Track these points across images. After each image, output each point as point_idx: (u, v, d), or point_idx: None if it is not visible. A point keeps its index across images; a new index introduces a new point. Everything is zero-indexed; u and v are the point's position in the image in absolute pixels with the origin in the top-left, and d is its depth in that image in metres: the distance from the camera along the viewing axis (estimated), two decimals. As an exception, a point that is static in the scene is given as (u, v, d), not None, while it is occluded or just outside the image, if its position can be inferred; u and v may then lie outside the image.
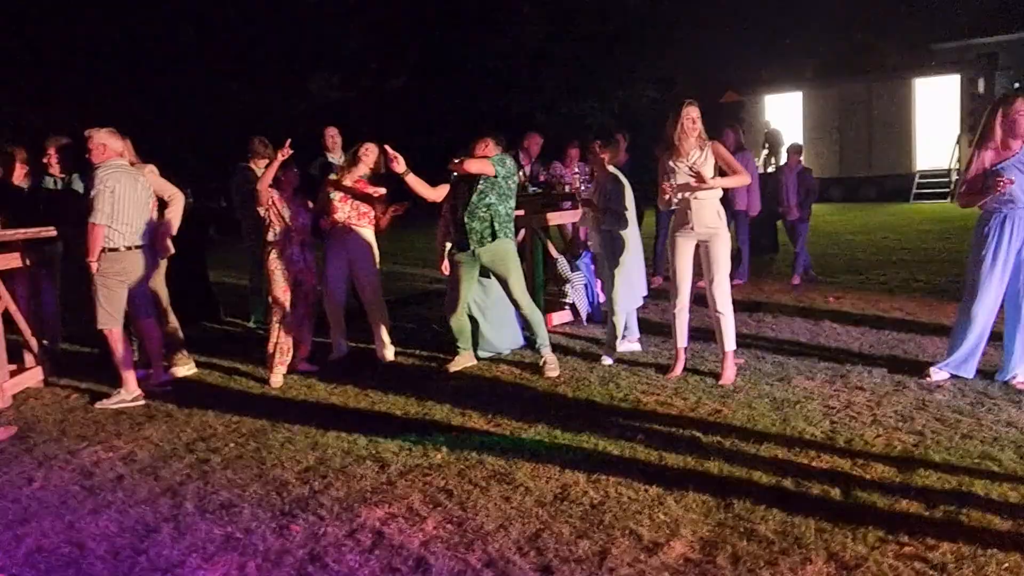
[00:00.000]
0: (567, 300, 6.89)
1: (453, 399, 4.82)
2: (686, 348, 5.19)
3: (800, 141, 13.61)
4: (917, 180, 19.39)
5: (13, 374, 5.49)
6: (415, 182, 5.38)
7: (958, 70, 19.68)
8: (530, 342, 5.63)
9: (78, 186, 5.82)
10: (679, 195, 4.88)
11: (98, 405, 5.09)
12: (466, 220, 5.25)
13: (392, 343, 6.00)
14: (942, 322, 5.99)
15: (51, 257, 6.01)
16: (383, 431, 4.30)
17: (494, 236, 5.25)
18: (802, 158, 9.01)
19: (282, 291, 5.43)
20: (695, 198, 4.86)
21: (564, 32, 22.49)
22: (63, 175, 5.97)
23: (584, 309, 6.85)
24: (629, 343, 5.82)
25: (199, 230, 8.17)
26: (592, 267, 6.96)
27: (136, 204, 5.11)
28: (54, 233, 5.47)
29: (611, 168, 5.59)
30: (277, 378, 5.42)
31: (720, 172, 4.90)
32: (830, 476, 3.43)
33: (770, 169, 10.91)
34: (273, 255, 5.44)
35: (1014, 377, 4.60)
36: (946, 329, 5.16)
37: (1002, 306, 4.63)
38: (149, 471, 3.94)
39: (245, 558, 3.00)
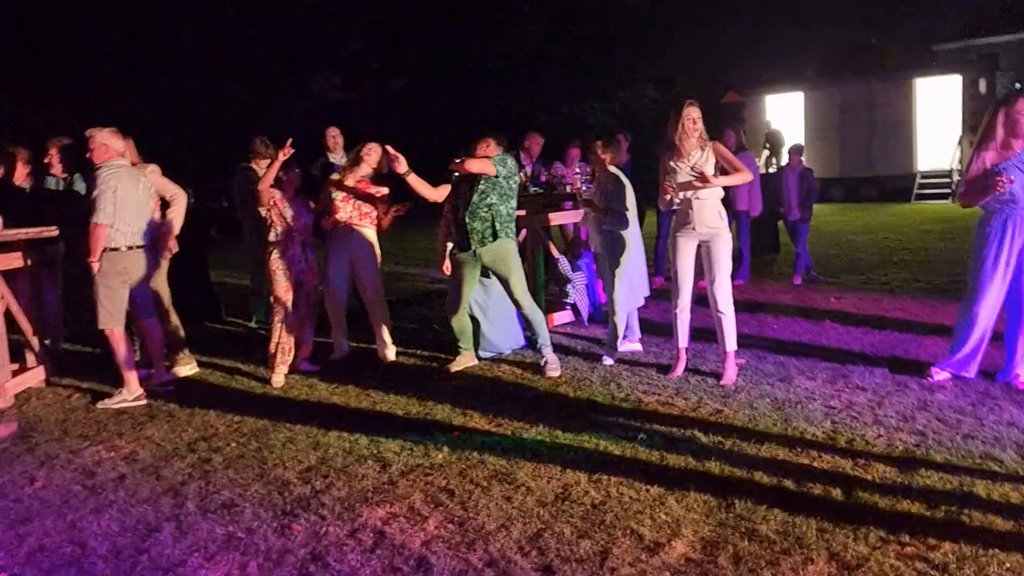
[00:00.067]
0: (568, 300, 6.90)
1: (454, 399, 4.82)
2: (687, 348, 5.20)
3: (801, 141, 13.61)
4: (918, 180, 19.38)
5: (15, 374, 5.49)
6: (416, 182, 5.39)
7: (959, 70, 19.66)
8: (531, 342, 5.64)
9: (80, 186, 5.83)
10: (680, 195, 4.89)
11: (100, 405, 5.09)
12: (467, 220, 5.26)
13: (393, 343, 6.00)
14: (943, 322, 5.98)
15: (53, 257, 6.02)
16: (385, 431, 4.30)
17: (495, 236, 5.26)
18: (803, 158, 9.01)
19: (284, 291, 5.44)
20: (696, 198, 4.86)
21: (564, 32, 22.50)
22: (65, 175, 5.98)
23: (585, 309, 6.85)
24: (630, 343, 5.82)
25: (200, 230, 8.18)
26: (593, 267, 6.96)
27: (137, 204, 5.12)
28: (56, 233, 5.48)
29: (612, 168, 5.59)
30: (279, 378, 5.43)
31: (722, 171, 4.90)
32: (831, 476, 3.43)
33: (771, 170, 10.91)
34: (275, 255, 5.44)
35: (1016, 377, 4.60)
36: (947, 329, 5.16)
37: (1003, 306, 4.63)
38: (151, 471, 3.95)
39: (247, 557, 3.00)
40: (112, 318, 5.06)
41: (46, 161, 5.94)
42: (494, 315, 5.88)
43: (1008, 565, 2.66)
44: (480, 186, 5.22)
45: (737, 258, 8.07)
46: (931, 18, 25.49)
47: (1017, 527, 2.91)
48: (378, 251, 5.92)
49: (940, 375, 4.74)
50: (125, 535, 3.25)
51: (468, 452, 3.92)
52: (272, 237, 5.46)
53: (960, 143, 18.78)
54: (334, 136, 7.55)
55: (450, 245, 5.73)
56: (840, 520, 3.01)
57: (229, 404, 4.98)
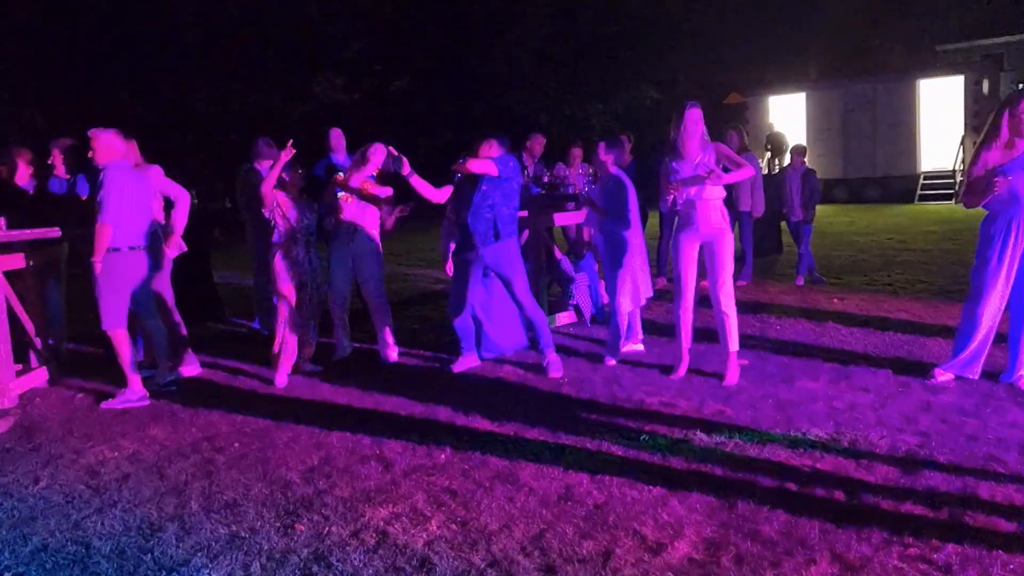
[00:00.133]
0: (571, 301, 6.90)
1: (457, 399, 4.83)
2: (690, 349, 5.19)
3: (804, 142, 13.58)
4: (921, 181, 19.35)
5: (19, 374, 5.50)
6: (419, 183, 5.40)
7: (962, 71, 19.63)
8: (533, 343, 5.64)
9: (82, 187, 5.84)
10: (683, 196, 4.89)
11: (103, 405, 5.10)
12: (469, 221, 5.26)
13: (396, 343, 6.00)
14: (947, 323, 5.98)
15: (56, 257, 6.03)
16: (387, 431, 4.31)
17: (497, 237, 5.26)
18: (806, 159, 9.00)
19: (287, 292, 5.45)
20: (699, 199, 4.86)
21: (567, 33, 22.50)
22: (68, 176, 5.99)
23: (588, 310, 6.85)
24: (632, 344, 5.82)
25: (203, 231, 8.20)
26: (595, 268, 6.97)
27: (140, 205, 5.13)
28: (59, 234, 5.49)
29: (614, 169, 5.59)
30: (282, 378, 5.44)
31: (724, 171, 4.91)
32: (834, 477, 3.43)
33: (774, 171, 10.90)
34: (278, 256, 5.45)
35: (1019, 378, 4.59)
36: (951, 330, 5.16)
37: (1007, 307, 4.62)
38: (154, 470, 3.96)
39: (250, 557, 3.01)
40: (114, 319, 5.07)
41: (49, 162, 5.96)
42: (496, 316, 5.88)
43: (1012, 566, 2.66)
44: (482, 187, 5.23)
45: (740, 259, 8.07)
46: (934, 19, 25.46)
47: (1021, 528, 2.90)
48: (381, 252, 5.93)
49: (943, 376, 4.74)
50: (129, 535, 3.26)
51: (470, 452, 3.92)
52: (276, 238, 5.47)
53: (963, 144, 18.75)
54: (337, 137, 7.56)
55: (453, 246, 5.74)
56: (843, 521, 3.01)
57: (232, 404, 4.98)
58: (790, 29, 25.26)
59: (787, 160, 9.39)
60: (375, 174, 5.78)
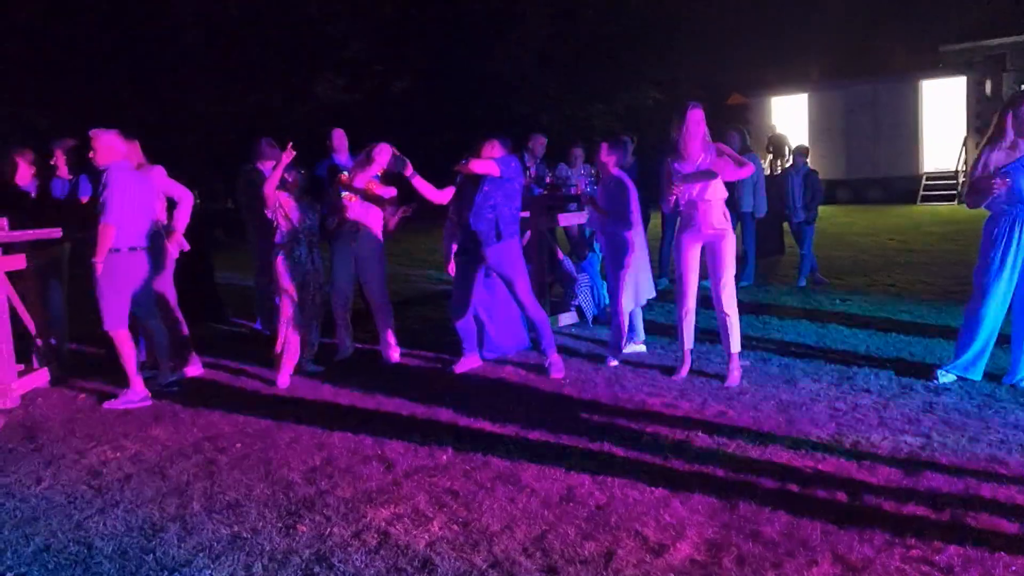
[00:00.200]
0: (573, 301, 6.90)
1: (459, 400, 4.83)
2: (691, 350, 5.19)
3: (806, 143, 13.57)
4: (924, 182, 19.33)
5: (21, 374, 5.51)
6: (421, 184, 5.41)
7: (965, 72, 19.62)
8: (535, 343, 5.64)
9: (85, 188, 5.85)
10: (685, 197, 4.89)
11: (106, 405, 5.11)
12: (471, 221, 5.26)
13: (398, 344, 6.01)
14: (949, 324, 5.97)
15: (58, 258, 6.04)
16: (389, 431, 4.31)
17: (499, 237, 5.26)
18: (808, 160, 9.00)
19: (289, 292, 5.45)
20: (702, 200, 4.86)
21: (568, 33, 22.50)
22: (70, 177, 6.00)
23: (590, 310, 6.85)
24: (634, 344, 5.82)
25: (205, 231, 8.20)
26: (598, 268, 6.97)
27: (141, 206, 5.13)
28: (60, 234, 5.50)
29: (616, 170, 5.59)
30: (284, 379, 5.44)
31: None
32: (836, 478, 3.43)
33: (776, 171, 10.90)
34: (280, 256, 5.45)
35: (1022, 379, 4.58)
36: (953, 331, 5.15)
37: (1010, 308, 4.62)
38: (156, 471, 3.96)
39: (251, 558, 3.01)
40: (116, 319, 5.08)
41: (51, 163, 5.97)
42: (498, 316, 5.89)
43: (1014, 568, 2.66)
44: (484, 187, 5.23)
45: (742, 260, 8.07)
46: (937, 19, 25.41)
47: (1023, 530, 2.90)
48: (384, 252, 5.93)
49: (946, 377, 4.73)
50: (131, 535, 3.26)
51: (472, 453, 3.92)
52: (278, 239, 5.47)
53: (965, 144, 18.73)
54: (339, 137, 7.57)
55: (455, 246, 5.74)
56: (845, 522, 3.01)
57: (234, 405, 4.99)
58: (792, 30, 25.24)
59: (789, 161, 9.39)
60: (380, 174, 5.78)
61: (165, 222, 5.66)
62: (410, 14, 22.33)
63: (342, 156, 7.43)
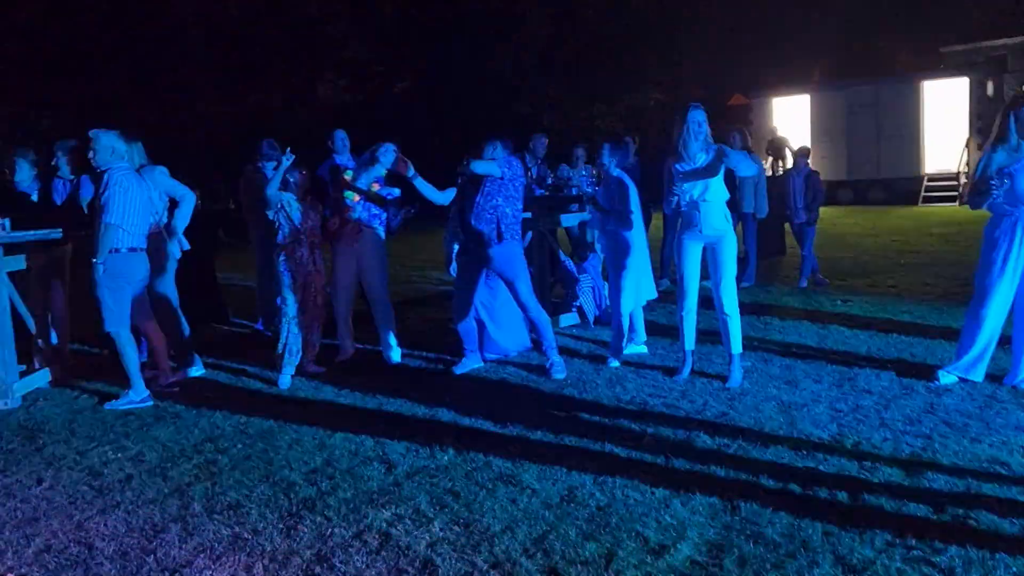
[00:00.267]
0: (574, 302, 6.90)
1: (459, 401, 4.83)
2: (693, 351, 5.19)
3: (808, 144, 13.55)
4: (926, 183, 19.31)
5: (23, 375, 5.51)
6: (423, 185, 5.41)
7: (967, 73, 19.58)
8: (537, 344, 5.64)
9: (87, 188, 5.85)
10: (687, 198, 4.89)
11: (107, 406, 5.11)
12: (473, 222, 5.26)
13: (399, 345, 6.01)
14: (951, 325, 5.97)
15: (60, 259, 6.04)
16: (390, 432, 4.31)
17: (501, 238, 5.26)
18: (809, 161, 8.99)
19: (291, 293, 5.45)
20: (703, 200, 4.86)
21: (570, 35, 22.50)
22: (72, 178, 6.01)
23: (591, 311, 6.85)
24: (635, 345, 5.82)
25: (207, 232, 8.20)
26: (599, 269, 6.96)
27: (141, 207, 5.13)
28: (61, 235, 5.50)
29: (617, 170, 5.59)
30: (285, 379, 5.44)
31: (728, 171, 4.91)
32: (837, 479, 3.42)
33: (778, 172, 10.90)
34: (283, 257, 5.46)
35: (1023, 381, 4.58)
36: (955, 333, 5.15)
37: (1011, 309, 4.61)
38: (157, 472, 3.96)
39: (252, 559, 3.01)
40: (118, 320, 5.08)
41: (53, 164, 5.97)
42: (500, 317, 5.88)
43: (1015, 569, 2.65)
44: (486, 188, 5.23)
45: (743, 260, 8.07)
46: (938, 20, 25.39)
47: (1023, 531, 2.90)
48: (385, 253, 5.93)
49: (947, 378, 4.72)
50: (132, 536, 3.26)
51: (473, 454, 3.92)
52: (280, 239, 5.48)
53: (967, 146, 18.71)
54: (341, 139, 7.57)
55: (456, 247, 5.74)
56: (846, 523, 3.00)
57: (235, 406, 4.99)
58: (793, 30, 25.21)
59: (790, 162, 9.39)
60: (383, 175, 5.78)
61: (167, 222, 5.66)
62: (411, 14, 22.33)
63: (344, 157, 7.43)
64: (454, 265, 5.80)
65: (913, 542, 2.85)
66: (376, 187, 5.78)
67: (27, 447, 4.44)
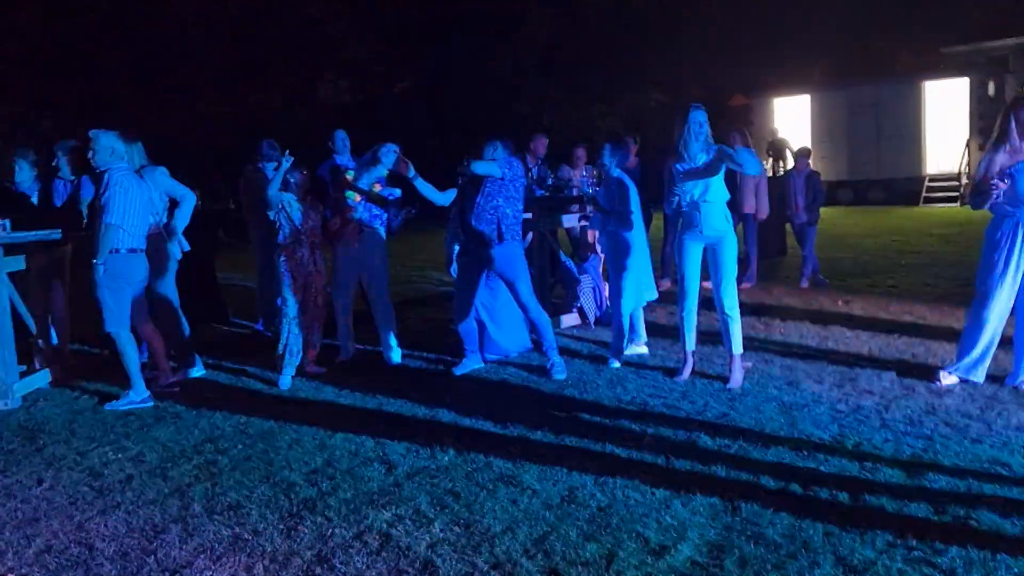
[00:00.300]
0: (574, 303, 6.89)
1: (460, 401, 4.83)
2: (693, 352, 5.19)
3: (808, 144, 13.55)
4: (926, 184, 19.31)
5: (23, 375, 5.52)
6: (423, 186, 5.41)
7: (968, 73, 19.58)
8: (537, 345, 5.64)
9: (87, 189, 5.85)
10: (687, 198, 4.89)
11: (107, 406, 5.11)
12: (473, 223, 5.26)
13: (399, 345, 6.00)
14: (952, 326, 5.97)
15: (60, 259, 6.05)
16: (390, 433, 4.31)
17: (501, 239, 5.26)
18: (810, 161, 8.99)
19: (292, 293, 5.45)
20: (703, 201, 4.86)
21: (571, 35, 22.49)
22: (72, 178, 6.01)
23: (591, 312, 6.85)
24: (636, 346, 5.82)
25: (208, 232, 8.20)
26: (599, 270, 6.96)
27: (141, 207, 5.13)
28: (61, 236, 5.50)
29: (618, 171, 5.59)
30: (285, 380, 5.44)
31: (728, 171, 4.91)
32: (838, 480, 3.42)
33: (778, 173, 10.90)
34: (283, 258, 5.46)
35: (1024, 381, 4.58)
36: (956, 333, 5.14)
37: (1012, 310, 4.61)
38: (158, 472, 3.96)
39: (253, 559, 3.01)
40: (118, 320, 5.08)
41: (54, 164, 5.97)
42: (500, 318, 5.88)
43: (1016, 570, 2.65)
44: (486, 188, 5.23)
45: (744, 261, 8.06)
46: (939, 21, 25.38)
47: (1025, 532, 2.90)
48: (386, 254, 5.93)
49: (948, 379, 4.72)
50: (132, 536, 3.26)
51: (474, 455, 3.92)
52: (281, 239, 5.48)
53: (968, 146, 18.71)
54: (342, 139, 7.57)
55: (457, 248, 5.74)
56: (847, 524, 3.00)
57: (235, 406, 4.99)
58: (794, 31, 25.19)
59: (790, 163, 9.39)
60: (385, 175, 5.78)
61: (167, 222, 5.66)
62: (411, 14, 22.32)
63: (344, 157, 7.43)
64: (455, 266, 5.80)
65: (914, 543, 2.85)
66: (378, 187, 5.78)
67: (27, 447, 4.44)
